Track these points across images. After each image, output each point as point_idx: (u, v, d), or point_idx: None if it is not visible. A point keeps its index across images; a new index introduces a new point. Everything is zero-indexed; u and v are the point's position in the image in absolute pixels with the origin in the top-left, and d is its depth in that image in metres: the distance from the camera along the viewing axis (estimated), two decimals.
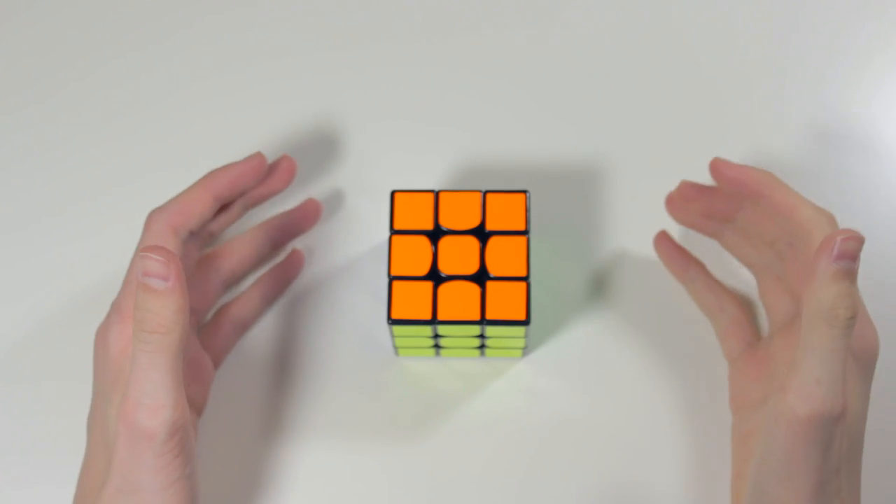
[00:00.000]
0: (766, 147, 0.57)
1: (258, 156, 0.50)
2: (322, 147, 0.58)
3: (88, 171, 0.57)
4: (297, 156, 0.57)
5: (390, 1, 0.61)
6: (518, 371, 0.52)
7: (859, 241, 0.42)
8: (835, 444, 0.42)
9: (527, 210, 0.48)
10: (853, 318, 0.41)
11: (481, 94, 0.59)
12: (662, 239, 0.54)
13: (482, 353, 0.51)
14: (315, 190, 0.56)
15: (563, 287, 0.53)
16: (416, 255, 0.48)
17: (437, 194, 0.49)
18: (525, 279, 0.47)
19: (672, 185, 0.56)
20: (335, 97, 0.59)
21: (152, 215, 0.47)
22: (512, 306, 0.47)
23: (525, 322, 0.47)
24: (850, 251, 0.42)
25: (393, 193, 0.49)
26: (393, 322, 0.47)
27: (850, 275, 0.42)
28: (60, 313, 0.54)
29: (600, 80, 0.59)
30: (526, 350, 0.51)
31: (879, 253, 0.55)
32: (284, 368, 0.52)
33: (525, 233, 0.48)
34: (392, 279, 0.47)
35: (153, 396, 0.41)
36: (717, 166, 0.50)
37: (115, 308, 0.46)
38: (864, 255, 0.54)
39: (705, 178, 0.52)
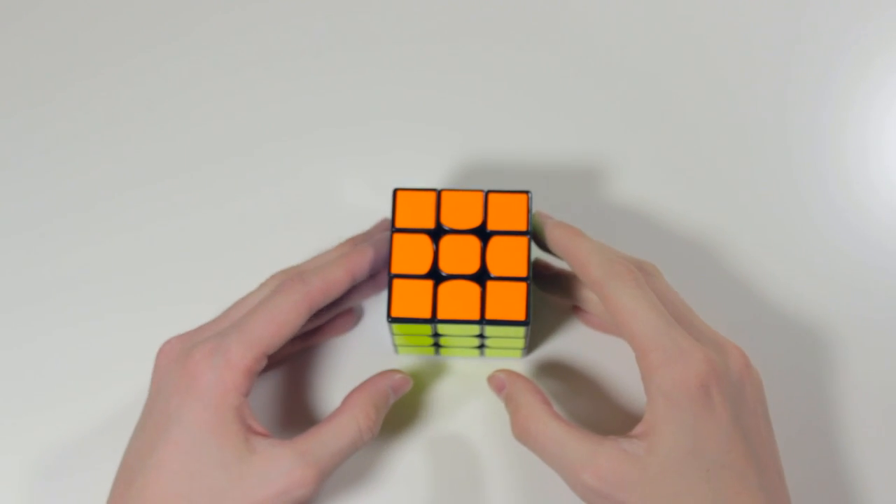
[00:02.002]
0: (766, 147, 0.57)
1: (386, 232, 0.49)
2: (325, 143, 0.58)
3: (95, 172, 0.57)
4: (299, 154, 0.57)
5: (396, 1, 0.61)
6: (518, 371, 0.52)
7: (498, 380, 0.49)
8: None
9: (528, 210, 0.48)
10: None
11: (486, 93, 0.59)
12: (580, 315, 0.53)
13: (482, 353, 0.51)
14: (318, 187, 0.56)
15: None
16: (417, 253, 0.47)
17: (439, 193, 0.48)
18: (526, 279, 0.47)
19: (672, 185, 0.56)
20: (339, 95, 0.59)
21: (293, 284, 0.46)
22: (512, 306, 0.47)
23: (525, 322, 0.46)
24: (496, 386, 0.49)
25: (395, 191, 0.48)
26: (392, 320, 0.47)
27: (509, 402, 0.47)
28: (66, 316, 0.54)
29: (603, 81, 0.59)
30: (525, 350, 0.51)
31: (880, 254, 0.55)
32: (284, 365, 0.52)
33: (526, 233, 0.48)
34: (392, 277, 0.47)
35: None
36: (537, 221, 0.49)
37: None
38: (866, 258, 0.54)
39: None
